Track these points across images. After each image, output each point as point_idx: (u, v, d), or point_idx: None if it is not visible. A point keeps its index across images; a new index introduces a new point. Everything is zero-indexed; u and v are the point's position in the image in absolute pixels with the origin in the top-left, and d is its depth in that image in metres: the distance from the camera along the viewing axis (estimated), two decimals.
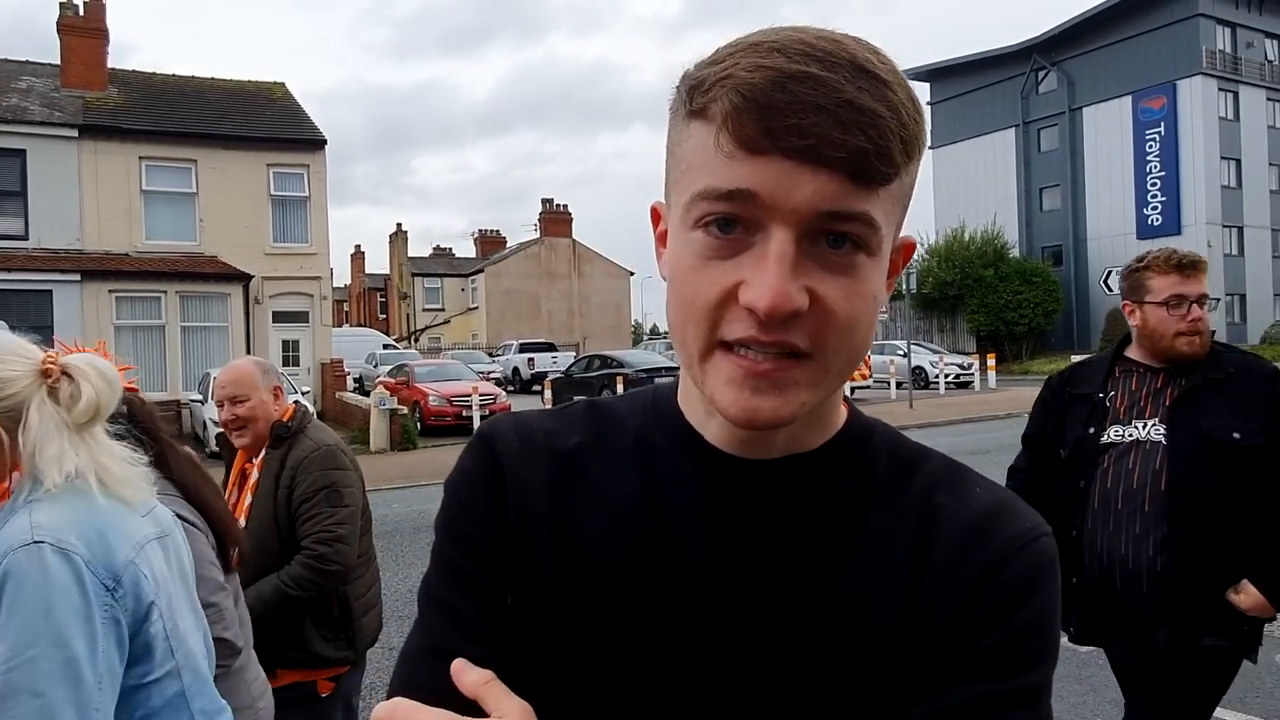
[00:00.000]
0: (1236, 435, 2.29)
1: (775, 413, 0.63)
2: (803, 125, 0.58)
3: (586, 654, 0.70)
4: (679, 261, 0.65)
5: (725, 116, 0.60)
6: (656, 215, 0.73)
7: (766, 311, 0.59)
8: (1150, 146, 35.92)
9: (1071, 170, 38.74)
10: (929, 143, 0.68)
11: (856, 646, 0.68)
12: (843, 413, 0.76)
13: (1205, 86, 34.82)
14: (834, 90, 0.58)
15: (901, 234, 0.70)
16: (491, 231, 53.64)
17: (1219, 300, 2.37)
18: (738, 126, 0.59)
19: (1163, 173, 35.55)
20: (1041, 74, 40.10)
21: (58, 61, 20.77)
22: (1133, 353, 2.53)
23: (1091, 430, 2.45)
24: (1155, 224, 35.78)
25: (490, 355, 34.52)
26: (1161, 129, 35.53)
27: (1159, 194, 35.67)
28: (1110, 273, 21.05)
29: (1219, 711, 2.54)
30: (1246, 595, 2.27)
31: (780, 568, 0.69)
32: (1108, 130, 37.29)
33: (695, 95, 0.63)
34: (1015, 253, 37.90)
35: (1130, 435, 2.40)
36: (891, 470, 0.74)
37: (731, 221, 0.61)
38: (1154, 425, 2.38)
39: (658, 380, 21.77)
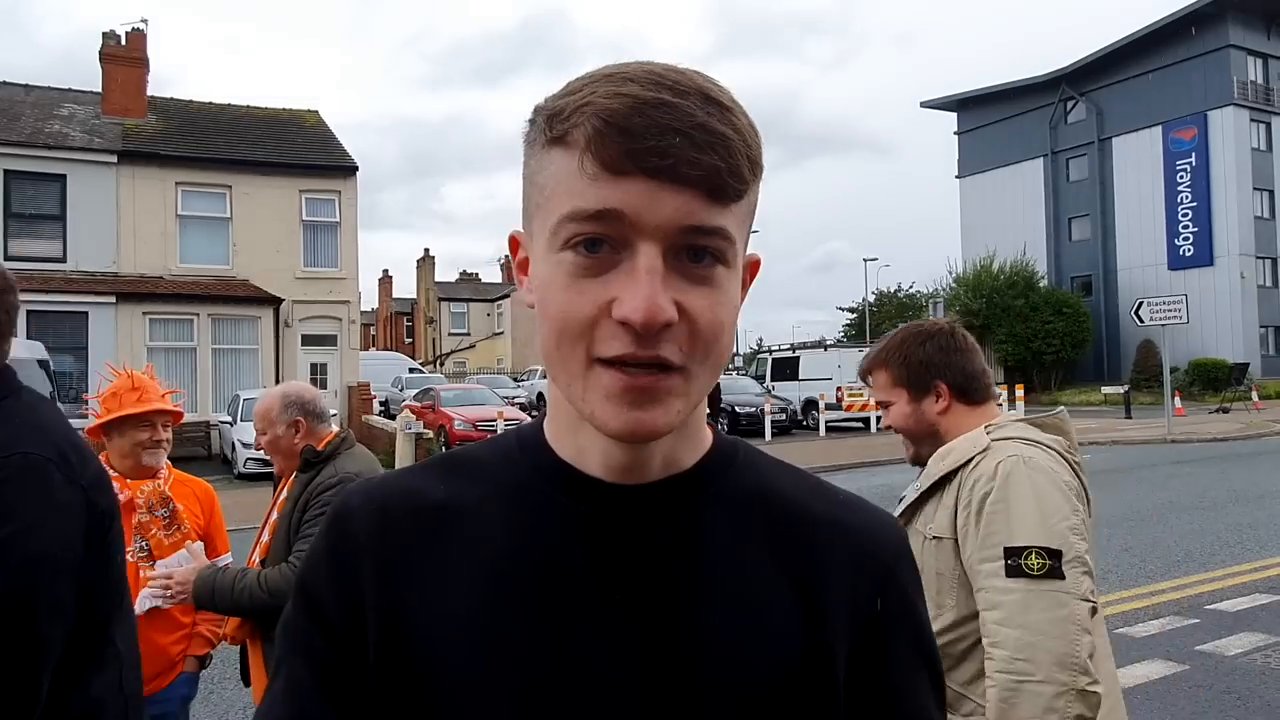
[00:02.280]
0: None
1: (654, 422, 0.64)
2: (662, 147, 0.61)
3: (478, 708, 0.68)
4: (550, 283, 0.66)
5: (588, 141, 0.62)
6: (515, 244, 0.74)
7: (642, 324, 0.61)
8: (1181, 177, 35.59)
9: (1101, 200, 38.45)
10: (764, 166, 0.70)
11: (760, 659, 0.70)
12: (708, 432, 0.78)
13: (1237, 117, 34.52)
14: (688, 115, 0.62)
15: (751, 251, 0.73)
16: None
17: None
18: (601, 150, 0.62)
19: (1194, 203, 35.19)
20: (1070, 104, 39.95)
21: (99, 89, 21.30)
22: None
23: None
24: (1187, 255, 35.37)
25: (516, 380, 34.66)
26: (1193, 159, 35.20)
27: (1190, 225, 35.28)
28: (1142, 303, 20.79)
29: None
30: None
31: (678, 590, 0.70)
32: (1138, 161, 37.02)
33: (554, 123, 0.65)
34: (1044, 283, 37.58)
35: None
36: (762, 483, 0.77)
37: (598, 241, 0.63)
38: None
39: None
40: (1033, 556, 1.54)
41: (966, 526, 1.65)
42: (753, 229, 0.73)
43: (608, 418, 0.64)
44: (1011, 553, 1.55)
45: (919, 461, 1.91)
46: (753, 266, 0.75)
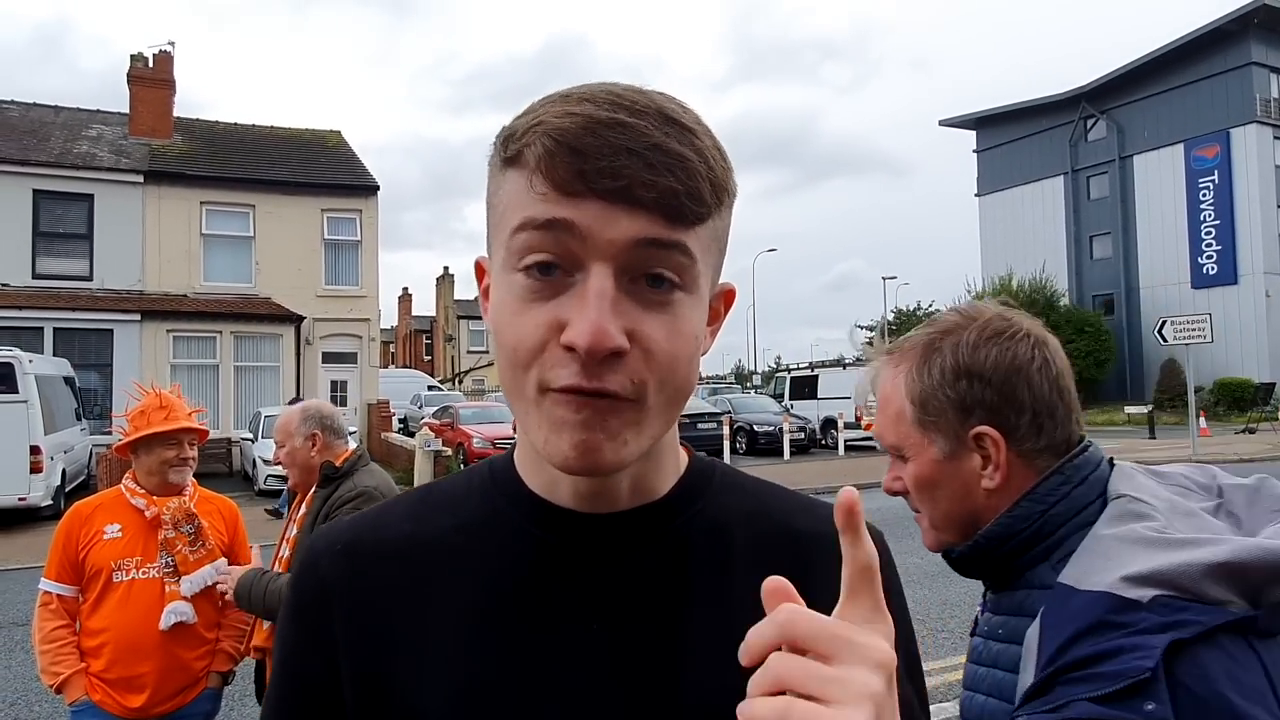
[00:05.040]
0: None
1: (600, 455, 0.61)
2: (615, 167, 0.59)
3: None
4: (502, 307, 0.64)
5: (538, 161, 0.60)
6: (481, 270, 0.72)
7: (587, 349, 0.58)
8: (1204, 195, 35.30)
9: (1122, 218, 38.19)
10: (737, 191, 0.67)
11: (743, 685, 0.69)
12: (684, 455, 0.76)
13: (1260, 135, 34.23)
14: (643, 135, 0.59)
15: (723, 281, 0.71)
16: None
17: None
18: (550, 170, 0.60)
19: (1217, 221, 34.88)
20: (1090, 122, 39.78)
21: (127, 111, 21.67)
22: None
23: None
24: (1210, 273, 35.03)
25: None
26: (1215, 177, 34.93)
27: (1214, 243, 34.96)
28: (1165, 322, 20.60)
29: None
30: None
31: (654, 619, 0.68)
32: (1159, 178, 36.77)
33: (509, 144, 0.63)
34: (1065, 301, 37.33)
35: None
36: (742, 503, 0.75)
37: (551, 266, 0.61)
38: None
39: (700, 426, 21.43)
40: None
41: None
42: (725, 257, 0.70)
43: (553, 449, 0.62)
44: None
45: None
46: (726, 296, 0.72)
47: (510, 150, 0.63)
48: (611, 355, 0.59)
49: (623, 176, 0.59)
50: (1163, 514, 0.94)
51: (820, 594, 0.71)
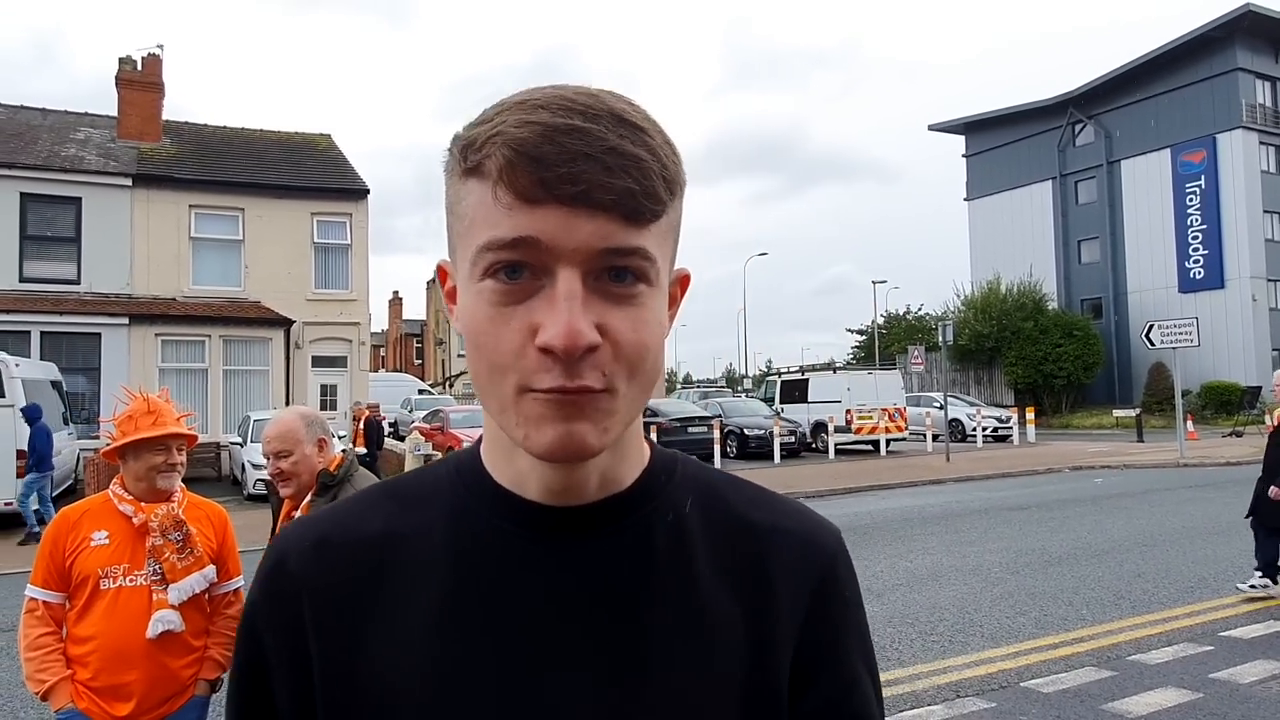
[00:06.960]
0: None
1: (584, 439, 0.64)
2: (574, 173, 0.61)
3: None
4: (475, 314, 0.65)
5: (500, 171, 0.62)
6: (444, 274, 0.74)
7: (564, 349, 0.61)
8: (1191, 200, 35.56)
9: (1110, 223, 38.42)
10: (686, 182, 0.69)
11: (706, 673, 0.71)
12: (646, 448, 0.78)
13: (1246, 140, 34.51)
14: (599, 139, 0.62)
15: (679, 267, 0.74)
16: None
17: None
18: (513, 180, 0.62)
19: (1204, 226, 35.14)
20: (1078, 127, 40.03)
21: (115, 114, 21.56)
22: None
23: None
24: (1197, 277, 35.27)
25: None
26: (1202, 182, 35.19)
27: (1201, 247, 35.22)
28: (1152, 326, 20.72)
29: None
30: None
31: (622, 608, 0.71)
32: (1147, 183, 37.02)
33: (469, 154, 0.65)
34: (1054, 305, 37.51)
35: None
36: (705, 497, 0.78)
37: (518, 267, 0.63)
38: None
39: (691, 430, 21.37)
40: None
41: None
42: (679, 244, 0.73)
43: (536, 442, 0.64)
44: None
45: None
46: (683, 282, 0.75)
47: (470, 161, 0.65)
48: (586, 351, 0.62)
49: (581, 181, 0.61)
50: None
51: (766, 585, 0.75)
